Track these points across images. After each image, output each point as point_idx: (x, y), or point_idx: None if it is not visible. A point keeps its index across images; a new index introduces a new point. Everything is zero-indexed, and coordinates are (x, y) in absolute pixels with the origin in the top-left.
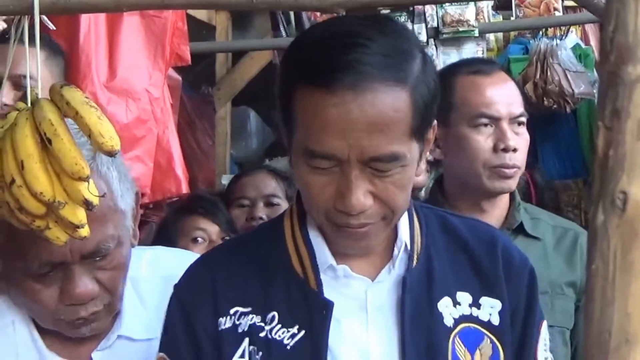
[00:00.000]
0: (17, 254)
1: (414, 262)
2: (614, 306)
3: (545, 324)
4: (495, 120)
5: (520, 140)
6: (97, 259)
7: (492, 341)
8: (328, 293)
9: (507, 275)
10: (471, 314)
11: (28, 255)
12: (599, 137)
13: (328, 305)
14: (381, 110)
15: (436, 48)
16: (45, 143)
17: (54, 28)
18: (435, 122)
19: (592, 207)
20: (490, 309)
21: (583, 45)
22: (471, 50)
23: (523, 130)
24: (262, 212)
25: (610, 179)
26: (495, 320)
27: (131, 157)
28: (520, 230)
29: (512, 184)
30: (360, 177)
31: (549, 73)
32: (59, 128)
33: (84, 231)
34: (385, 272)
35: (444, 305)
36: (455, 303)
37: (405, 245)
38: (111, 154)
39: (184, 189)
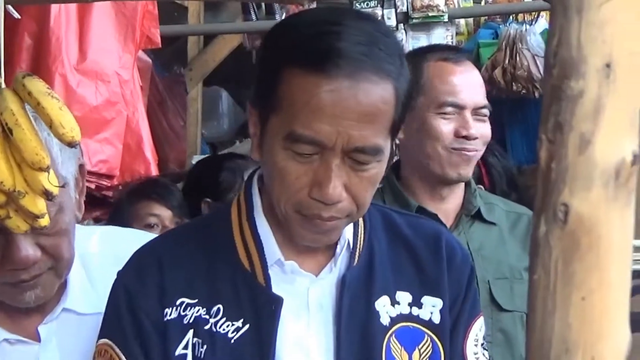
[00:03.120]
0: None
1: (356, 261)
2: (555, 316)
3: (480, 320)
4: (459, 109)
5: (481, 128)
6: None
7: (432, 340)
8: (275, 288)
9: (449, 271)
10: (411, 313)
11: None
12: (542, 150)
13: (278, 301)
14: (373, 101)
15: (405, 33)
16: (6, 133)
17: (19, 17)
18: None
19: (534, 218)
20: (432, 307)
21: None
22: (440, 35)
23: (486, 119)
24: None
25: (552, 191)
26: (437, 319)
27: (100, 139)
28: (477, 216)
29: (469, 171)
30: (340, 168)
31: (517, 58)
32: (20, 118)
33: (44, 221)
34: (327, 269)
35: (382, 305)
36: (394, 302)
37: (348, 243)
38: (72, 144)
39: (153, 171)
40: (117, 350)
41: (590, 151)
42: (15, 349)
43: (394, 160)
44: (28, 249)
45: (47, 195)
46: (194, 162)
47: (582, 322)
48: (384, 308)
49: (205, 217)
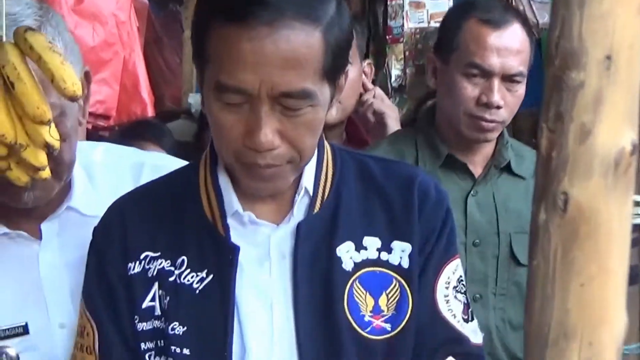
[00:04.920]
0: None
1: (316, 209)
2: (554, 302)
3: (454, 263)
4: (486, 74)
5: (510, 97)
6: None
7: (401, 285)
8: (235, 239)
9: (420, 214)
10: (379, 258)
11: None
12: (542, 139)
13: (234, 251)
14: (294, 47)
15: None
16: (8, 87)
17: None
18: (347, 69)
19: (534, 206)
20: (401, 252)
21: None
22: None
23: (518, 87)
24: None
25: (552, 180)
26: (406, 264)
27: (97, 80)
28: (506, 168)
29: (490, 136)
30: (270, 114)
31: (514, 3)
32: (22, 72)
33: (45, 173)
34: (287, 218)
35: (345, 250)
36: (360, 248)
37: (307, 192)
38: (74, 99)
39: (150, 111)
40: (88, 314)
41: (590, 141)
42: (15, 244)
43: (430, 103)
44: None
45: (49, 148)
46: (190, 100)
47: (580, 308)
48: (347, 254)
49: (177, 170)
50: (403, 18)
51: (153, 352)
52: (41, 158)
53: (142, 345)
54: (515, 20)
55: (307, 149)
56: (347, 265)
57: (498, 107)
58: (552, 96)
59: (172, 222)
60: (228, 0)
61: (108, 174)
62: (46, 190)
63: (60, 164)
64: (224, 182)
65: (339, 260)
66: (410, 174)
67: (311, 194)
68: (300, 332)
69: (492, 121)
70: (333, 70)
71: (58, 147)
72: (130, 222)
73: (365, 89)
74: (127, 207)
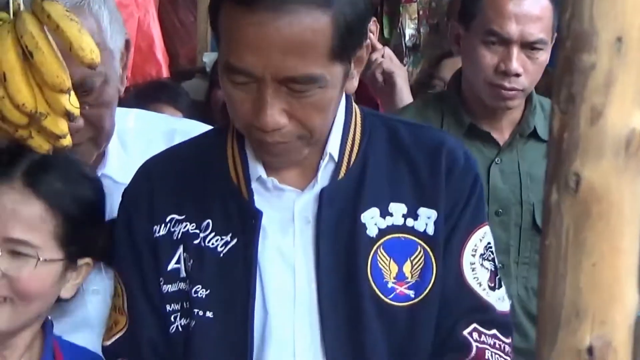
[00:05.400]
0: None
1: (341, 175)
2: (566, 281)
3: (482, 230)
4: (505, 41)
5: (530, 64)
6: (84, 93)
7: (425, 252)
8: (260, 203)
9: (448, 181)
10: (405, 224)
11: None
12: (554, 120)
13: (257, 215)
14: (298, 32)
15: None
16: (27, 56)
17: None
18: (368, 41)
19: (546, 186)
20: (427, 219)
21: None
22: None
23: (539, 55)
24: None
25: (564, 161)
26: (431, 231)
27: None
28: (534, 134)
29: (511, 104)
30: (275, 96)
31: None
32: (40, 41)
33: (66, 141)
34: (311, 184)
35: (369, 217)
36: (385, 214)
37: (332, 158)
38: (92, 66)
39: (164, 72)
40: (118, 276)
41: (601, 122)
42: None
43: (457, 70)
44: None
45: (69, 116)
46: (204, 58)
47: (592, 287)
48: (372, 220)
49: (204, 134)
50: None
51: (178, 314)
52: (62, 126)
53: (168, 307)
54: None
55: (317, 126)
56: (372, 232)
57: (517, 75)
58: (563, 78)
59: (198, 186)
60: None
61: (140, 141)
62: (85, 156)
63: (101, 132)
64: (250, 148)
65: (363, 227)
66: (439, 140)
67: (336, 160)
68: (322, 297)
69: (511, 89)
70: (345, 50)
71: (78, 114)
72: (157, 185)
73: (374, 49)
74: (154, 170)
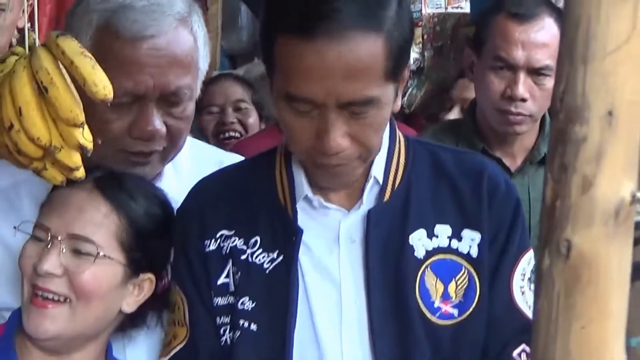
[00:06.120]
0: None
1: (386, 197)
2: (557, 342)
3: (529, 254)
4: (512, 67)
5: (537, 90)
6: (173, 103)
7: (469, 272)
8: (304, 222)
9: (490, 205)
10: (449, 245)
11: (114, 82)
12: (547, 188)
13: (298, 232)
14: (357, 58)
15: None
16: (42, 91)
17: None
18: (410, 61)
19: (539, 252)
20: (471, 241)
21: None
22: None
23: (546, 81)
24: (232, 117)
25: (556, 228)
26: (474, 253)
27: None
28: (543, 161)
29: (519, 129)
30: (338, 120)
31: None
32: (55, 77)
33: (79, 173)
34: (357, 205)
35: (417, 238)
36: (432, 235)
37: (377, 181)
38: (105, 102)
39: None
40: (178, 289)
41: (592, 192)
42: None
43: (473, 98)
44: (157, 123)
45: (83, 150)
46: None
47: (581, 349)
48: (420, 241)
49: (254, 157)
50: (421, 3)
51: (227, 327)
52: (75, 159)
53: (218, 319)
54: (547, 15)
55: (375, 145)
56: (419, 253)
57: (524, 100)
58: (557, 148)
59: (248, 204)
60: (294, 14)
61: (193, 166)
62: (155, 168)
63: (175, 146)
64: (297, 169)
65: (411, 248)
66: (480, 165)
67: (381, 182)
68: (373, 314)
69: (518, 114)
70: (396, 70)
71: (91, 148)
72: (208, 203)
73: None
74: (205, 189)
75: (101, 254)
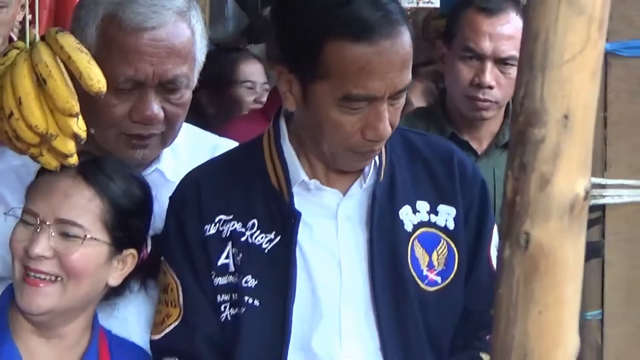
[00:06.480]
0: (108, 66)
1: (382, 177)
2: (516, 326)
3: (496, 228)
4: (479, 57)
5: (503, 78)
6: (171, 90)
7: (447, 244)
8: (301, 204)
9: (461, 183)
10: (429, 220)
11: (117, 69)
12: (508, 185)
13: (296, 215)
14: (407, 49)
15: None
16: (40, 82)
17: None
18: None
19: (500, 243)
20: (447, 215)
21: None
22: None
23: (512, 70)
24: (264, 96)
25: (516, 221)
26: (451, 225)
27: None
28: (508, 144)
29: (486, 114)
30: (386, 110)
31: None
32: (53, 70)
33: (73, 159)
34: (357, 185)
35: (405, 213)
36: (415, 211)
37: (374, 162)
38: (98, 94)
39: None
40: (172, 272)
41: (549, 188)
42: None
43: (443, 87)
44: (155, 108)
45: (76, 138)
46: None
47: (538, 332)
48: (407, 216)
49: (242, 146)
50: None
51: (228, 304)
52: (70, 146)
53: (219, 297)
54: (512, 10)
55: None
56: (408, 227)
57: (490, 87)
58: (517, 148)
59: (242, 189)
60: (348, 20)
61: (189, 149)
62: (154, 150)
63: (173, 130)
64: (290, 154)
65: (401, 223)
66: (449, 147)
67: (377, 164)
68: (376, 286)
69: (485, 100)
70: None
71: (85, 137)
72: (205, 190)
73: None
74: (201, 177)
75: (88, 236)
